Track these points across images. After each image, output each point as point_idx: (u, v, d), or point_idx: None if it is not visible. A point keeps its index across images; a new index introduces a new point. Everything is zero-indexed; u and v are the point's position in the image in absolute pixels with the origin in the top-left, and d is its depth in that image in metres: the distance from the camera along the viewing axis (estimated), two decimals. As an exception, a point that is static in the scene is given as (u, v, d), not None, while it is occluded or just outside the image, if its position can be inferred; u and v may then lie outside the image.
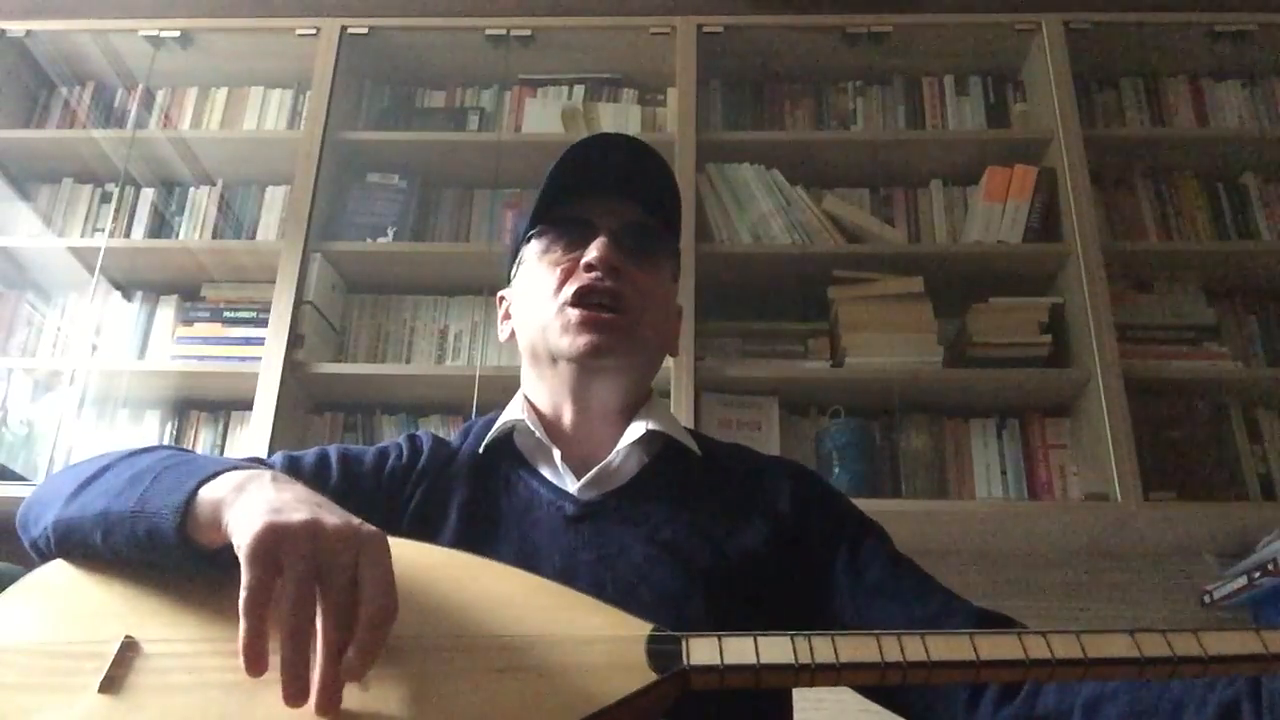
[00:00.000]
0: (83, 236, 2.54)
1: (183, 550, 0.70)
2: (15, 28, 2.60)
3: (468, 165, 2.55)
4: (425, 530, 0.91)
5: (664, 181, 1.04)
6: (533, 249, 1.03)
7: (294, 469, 0.94)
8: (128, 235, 2.54)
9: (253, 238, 2.55)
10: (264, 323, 2.29)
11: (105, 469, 0.81)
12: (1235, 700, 0.68)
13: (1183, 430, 2.23)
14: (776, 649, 0.64)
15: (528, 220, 1.04)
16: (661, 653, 0.66)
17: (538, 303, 1.00)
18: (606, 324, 0.96)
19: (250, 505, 0.66)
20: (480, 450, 1.01)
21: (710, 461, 1.02)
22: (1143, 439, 2.11)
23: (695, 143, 2.38)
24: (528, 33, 2.56)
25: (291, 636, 0.61)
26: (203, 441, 2.38)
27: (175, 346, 2.41)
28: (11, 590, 0.77)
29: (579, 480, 0.96)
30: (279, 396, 2.18)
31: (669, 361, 2.09)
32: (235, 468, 0.73)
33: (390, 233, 2.45)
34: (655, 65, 2.59)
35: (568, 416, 1.01)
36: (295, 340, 2.25)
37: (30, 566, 0.81)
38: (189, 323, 2.44)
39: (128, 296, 2.51)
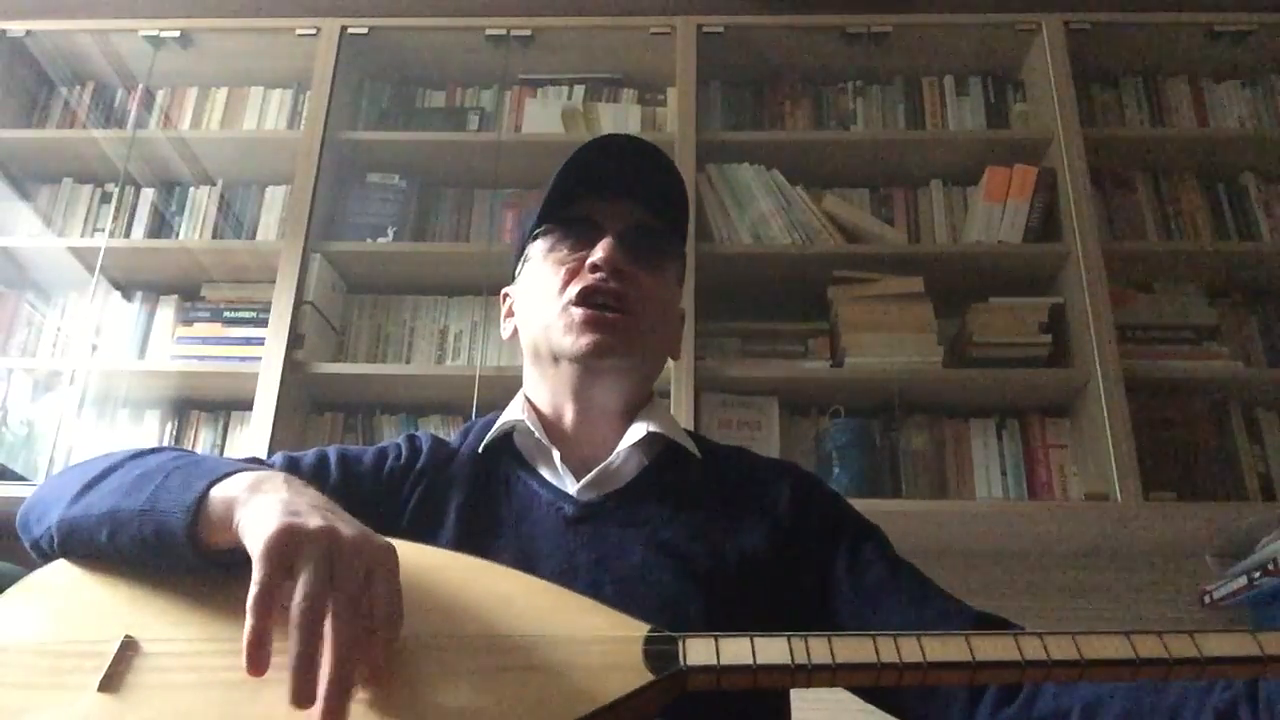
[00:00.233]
0: (83, 236, 2.55)
1: (190, 550, 0.70)
2: (15, 28, 2.60)
3: (468, 165, 2.55)
4: (424, 531, 0.91)
5: (672, 185, 1.04)
6: (538, 247, 1.03)
7: (293, 470, 0.94)
8: (128, 235, 2.54)
9: (253, 238, 2.55)
10: (264, 323, 2.29)
11: (111, 469, 0.81)
12: (1233, 703, 0.68)
13: (1183, 430, 2.23)
14: (773, 650, 0.64)
15: (534, 217, 1.04)
16: (659, 653, 0.66)
17: (541, 301, 1.00)
18: (609, 324, 0.96)
19: (265, 505, 0.66)
20: (480, 450, 1.00)
21: (710, 464, 1.02)
22: (1143, 439, 2.11)
23: (695, 143, 2.38)
24: (528, 33, 2.56)
25: (303, 637, 0.60)
26: (203, 441, 2.38)
27: (175, 346, 2.41)
28: (13, 590, 0.77)
29: (579, 482, 0.96)
30: (279, 396, 2.18)
31: (669, 362, 2.09)
32: (245, 469, 0.73)
33: (390, 233, 2.45)
34: (655, 65, 2.59)
35: (568, 417, 1.01)
36: (295, 340, 2.25)
37: (31, 567, 0.81)
38: (189, 323, 2.44)
39: (128, 296, 2.51)
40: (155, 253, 2.48)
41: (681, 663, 0.65)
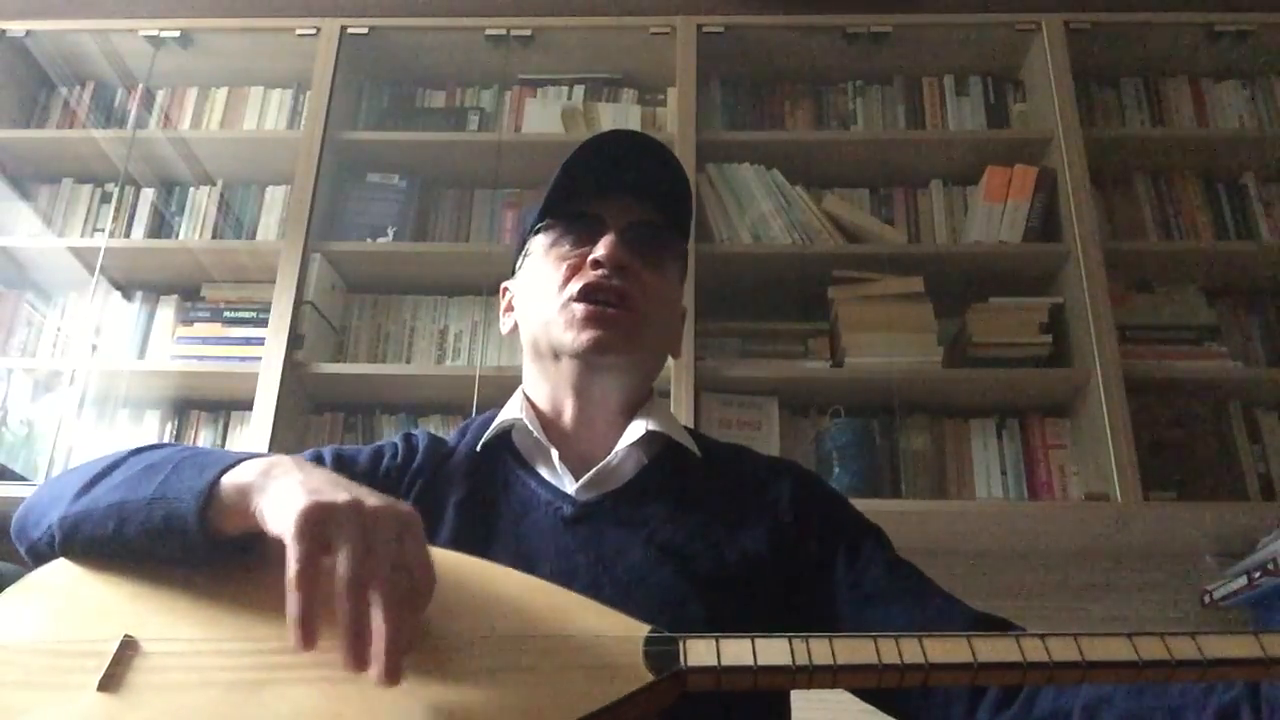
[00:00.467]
0: (83, 236, 2.55)
1: (201, 537, 0.70)
2: (15, 28, 2.60)
3: (468, 165, 2.55)
4: None
5: (676, 181, 1.03)
6: (539, 242, 1.02)
7: None
8: (128, 235, 2.54)
9: (253, 238, 2.55)
10: (264, 323, 2.29)
11: (115, 465, 0.80)
12: (1234, 704, 0.68)
13: (1183, 430, 2.23)
14: (774, 651, 0.64)
15: (536, 212, 1.03)
16: (659, 654, 0.65)
17: (542, 297, 0.99)
18: (611, 320, 0.95)
19: (285, 488, 0.66)
20: (478, 449, 1.00)
21: (710, 463, 1.01)
22: (1143, 439, 2.11)
23: (695, 143, 2.38)
24: (528, 33, 2.56)
25: (352, 606, 0.61)
26: (202, 442, 2.38)
27: (175, 346, 2.41)
28: (12, 589, 0.77)
29: (577, 481, 0.95)
30: (279, 396, 2.18)
31: (669, 361, 2.09)
32: (253, 457, 0.73)
33: (390, 233, 2.45)
34: (655, 65, 2.59)
35: (568, 414, 1.00)
36: (295, 340, 2.25)
37: (31, 568, 0.80)
38: (189, 323, 2.44)
39: (128, 296, 2.51)
40: (155, 253, 2.48)
41: (682, 664, 0.64)
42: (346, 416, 2.40)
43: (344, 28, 2.54)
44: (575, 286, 0.96)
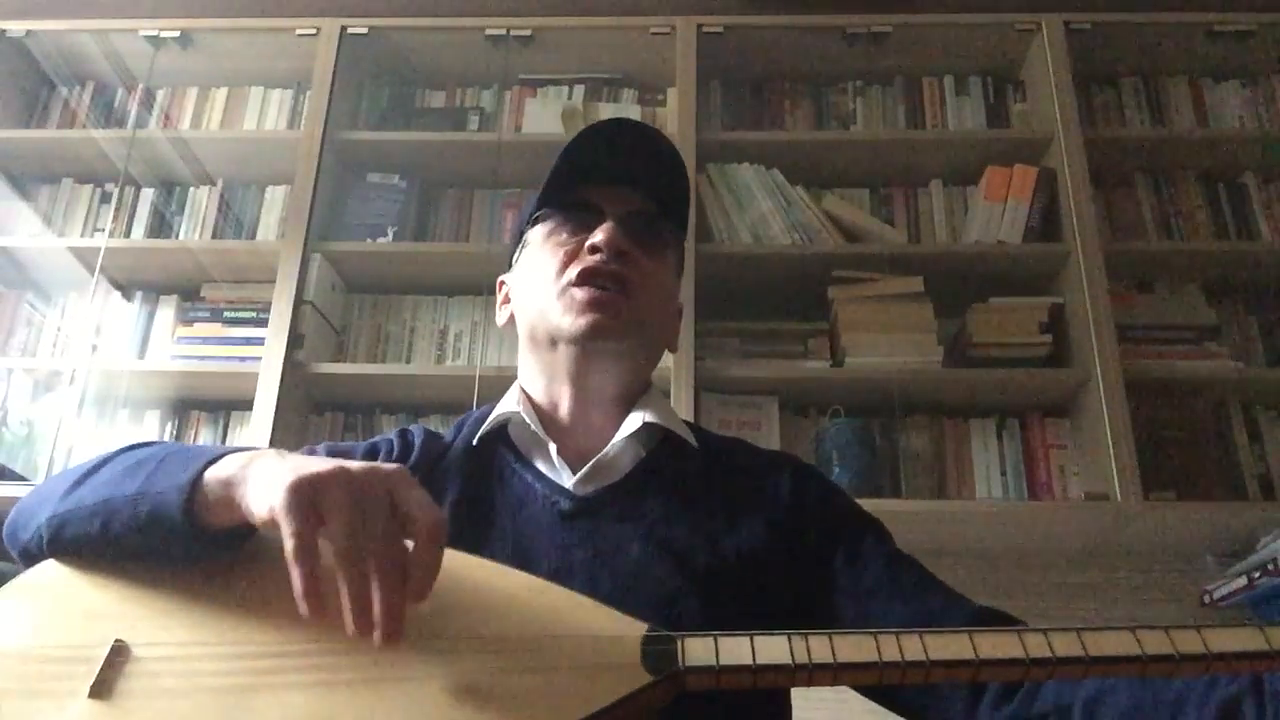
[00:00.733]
0: (83, 236, 2.55)
1: (187, 531, 0.69)
2: (15, 28, 2.60)
3: (468, 165, 2.55)
4: None
5: (675, 172, 1.02)
6: (538, 232, 1.02)
7: None
8: (128, 235, 2.54)
9: (253, 238, 2.55)
10: (264, 323, 2.29)
11: (102, 464, 0.80)
12: (1237, 697, 0.68)
13: (1183, 430, 2.23)
14: (773, 649, 0.63)
15: (533, 204, 1.03)
16: (656, 653, 0.65)
17: (540, 284, 0.98)
18: (609, 304, 0.94)
19: (267, 473, 0.66)
20: (474, 443, 0.99)
21: (708, 456, 1.00)
22: (1143, 439, 2.11)
23: (695, 143, 2.38)
24: (528, 33, 2.56)
25: (352, 573, 0.62)
26: (202, 441, 2.38)
27: (175, 346, 2.41)
28: (0, 592, 0.76)
29: (574, 474, 0.94)
30: (279, 396, 2.18)
31: (668, 360, 2.09)
32: (235, 450, 0.73)
33: (390, 233, 2.45)
34: (655, 65, 2.59)
35: (565, 404, 0.99)
36: (295, 340, 2.25)
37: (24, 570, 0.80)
38: (189, 323, 2.44)
39: (128, 296, 2.51)
40: (155, 253, 2.48)
41: (680, 663, 0.64)
42: (346, 416, 2.40)
43: (344, 28, 2.54)
44: (573, 271, 0.95)
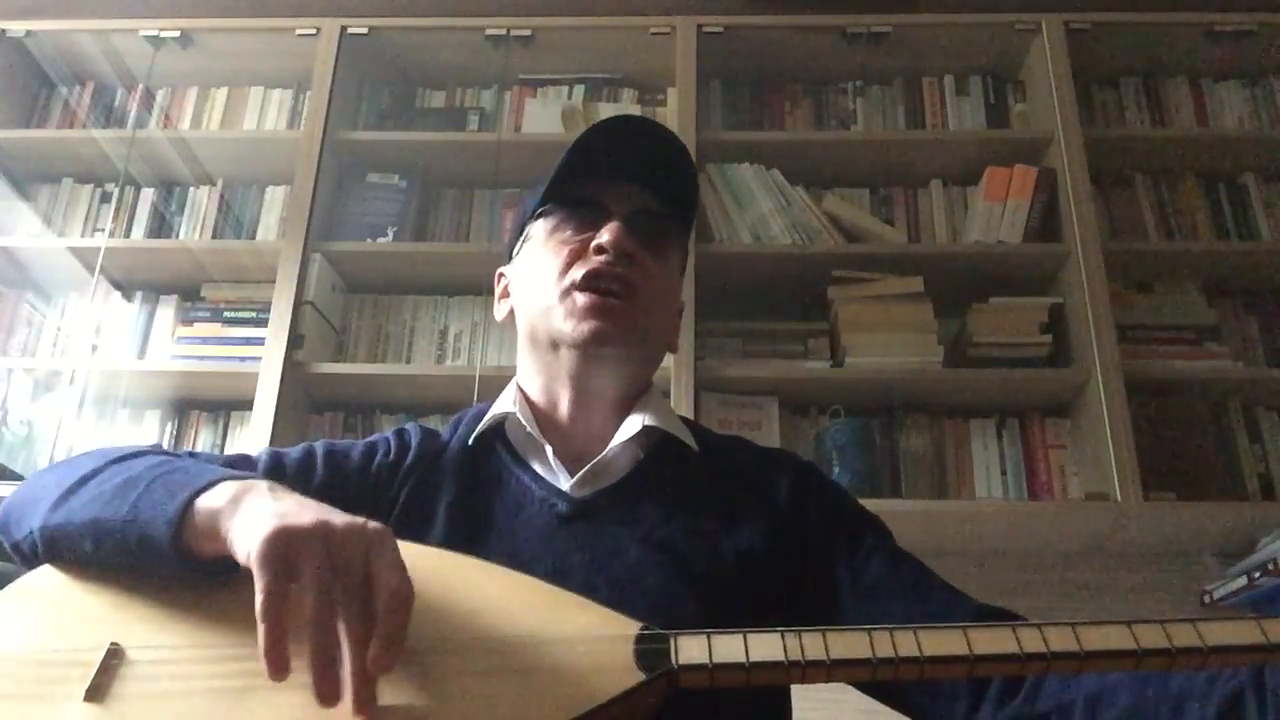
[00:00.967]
0: (83, 236, 2.55)
1: (175, 561, 0.70)
2: (15, 28, 2.60)
3: (468, 165, 2.55)
4: (413, 529, 0.89)
5: (683, 170, 1.01)
6: (540, 227, 1.00)
7: (278, 466, 0.92)
8: (128, 235, 2.54)
9: (253, 238, 2.55)
10: (264, 323, 2.29)
11: (94, 473, 0.79)
12: (1239, 691, 0.67)
13: (1183, 430, 2.23)
14: (766, 646, 0.63)
15: (537, 197, 1.01)
16: (650, 652, 0.65)
17: (542, 283, 0.97)
18: (613, 310, 0.93)
19: (253, 513, 0.66)
20: (470, 443, 0.98)
21: (707, 457, 0.99)
22: (1143, 439, 2.11)
23: (695, 143, 2.38)
24: (528, 33, 2.56)
25: (319, 631, 0.60)
26: (203, 441, 2.39)
27: (175, 346, 2.41)
28: None
29: (572, 476, 0.94)
30: (279, 396, 2.18)
31: (669, 360, 2.09)
32: (229, 477, 0.72)
33: (390, 233, 2.45)
34: (655, 65, 2.59)
35: (564, 405, 0.98)
36: (295, 340, 2.24)
37: (19, 565, 0.80)
38: (189, 323, 2.44)
39: (128, 296, 2.51)
40: (155, 253, 2.48)
41: (673, 661, 0.64)
42: (346, 416, 2.39)
43: (344, 28, 2.54)
44: (578, 273, 0.94)
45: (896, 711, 0.88)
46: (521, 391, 1.01)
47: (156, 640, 0.69)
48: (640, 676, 0.64)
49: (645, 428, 0.96)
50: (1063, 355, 2.27)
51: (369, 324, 2.47)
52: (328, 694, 0.60)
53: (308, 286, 2.31)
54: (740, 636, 0.64)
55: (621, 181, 0.99)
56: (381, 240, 2.44)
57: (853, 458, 2.19)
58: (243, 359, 2.33)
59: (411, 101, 2.72)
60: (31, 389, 2.43)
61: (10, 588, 0.76)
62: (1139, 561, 2.24)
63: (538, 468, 0.96)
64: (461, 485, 0.94)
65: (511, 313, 1.05)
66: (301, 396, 2.33)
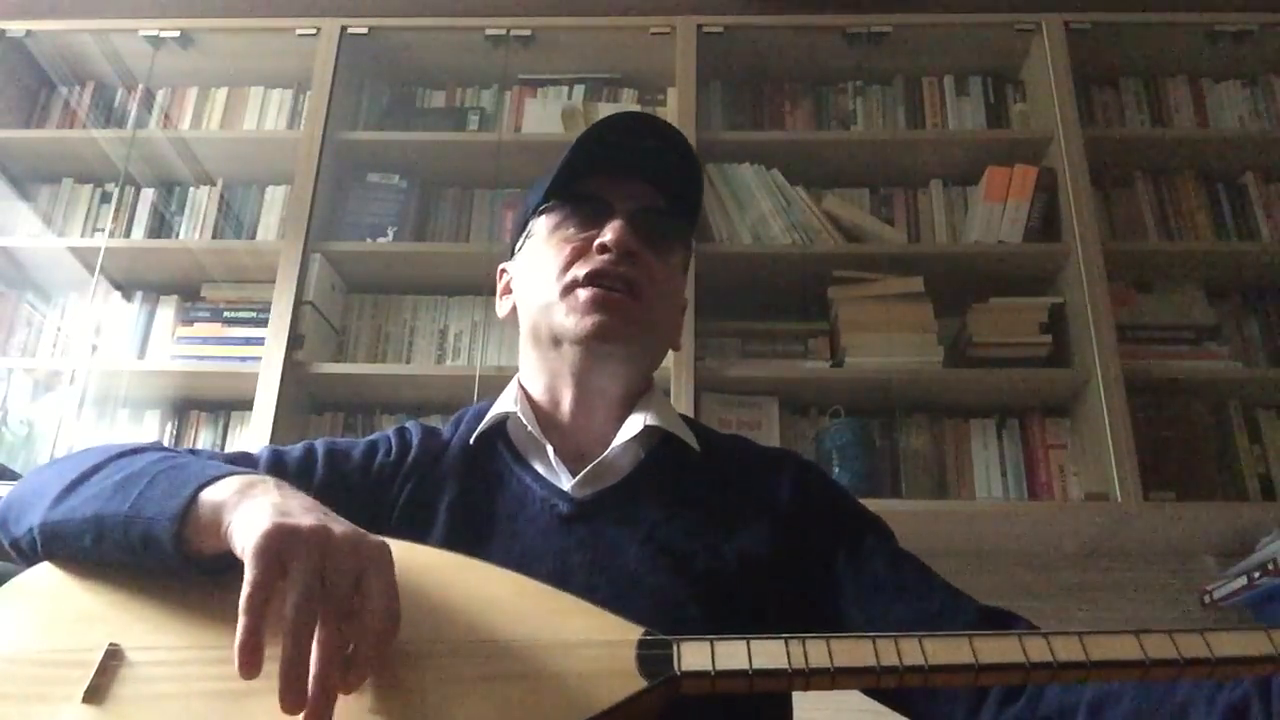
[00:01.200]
0: (83, 236, 2.54)
1: (177, 557, 0.69)
2: (15, 28, 2.60)
3: (468, 165, 2.55)
4: (413, 529, 0.89)
5: (687, 168, 1.00)
6: (543, 223, 0.99)
7: (279, 464, 0.92)
8: (128, 235, 2.54)
9: (253, 238, 2.55)
10: (264, 323, 2.29)
11: (95, 469, 0.79)
12: (1244, 700, 0.67)
13: (1183, 430, 2.23)
14: (769, 653, 0.62)
15: (540, 193, 1.00)
16: (652, 658, 0.64)
17: (544, 280, 0.96)
18: (616, 306, 0.92)
19: (255, 508, 0.65)
20: (472, 442, 0.97)
21: (709, 457, 0.99)
22: (1143, 439, 2.11)
23: (695, 143, 2.35)
24: (528, 33, 2.56)
25: (293, 637, 0.59)
26: (203, 441, 2.38)
27: (175, 346, 2.41)
28: None
29: (573, 476, 0.93)
30: (279, 396, 2.18)
31: (668, 360, 2.08)
32: (232, 473, 0.72)
33: (390, 233, 2.45)
34: (655, 65, 2.59)
35: (566, 403, 0.98)
36: (295, 340, 2.24)
37: (18, 563, 0.80)
38: (189, 323, 2.44)
39: (128, 296, 2.51)
40: (155, 253, 2.48)
41: (675, 668, 0.63)
42: (346, 416, 2.39)
43: (344, 28, 2.54)
44: (580, 271, 0.93)
45: (897, 714, 0.88)
46: (523, 390, 1.01)
47: (155, 641, 0.69)
48: (642, 683, 0.63)
49: (647, 427, 0.95)
50: (1063, 355, 2.27)
51: (369, 324, 2.47)
52: (293, 699, 0.59)
53: (308, 286, 2.30)
54: (744, 643, 0.63)
55: (625, 178, 0.98)
56: (381, 240, 2.44)
57: (853, 458, 2.19)
58: (243, 359, 2.32)
59: (411, 101, 2.72)
60: (31, 389, 2.43)
61: (7, 586, 0.76)
62: (1139, 561, 2.24)
63: (539, 467, 0.95)
64: (462, 485, 0.94)
65: (513, 309, 1.04)
66: (301, 396, 2.33)
